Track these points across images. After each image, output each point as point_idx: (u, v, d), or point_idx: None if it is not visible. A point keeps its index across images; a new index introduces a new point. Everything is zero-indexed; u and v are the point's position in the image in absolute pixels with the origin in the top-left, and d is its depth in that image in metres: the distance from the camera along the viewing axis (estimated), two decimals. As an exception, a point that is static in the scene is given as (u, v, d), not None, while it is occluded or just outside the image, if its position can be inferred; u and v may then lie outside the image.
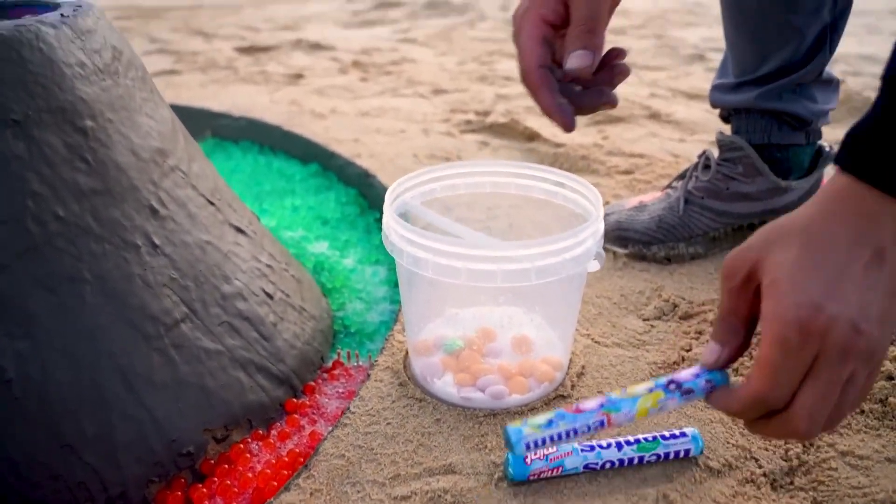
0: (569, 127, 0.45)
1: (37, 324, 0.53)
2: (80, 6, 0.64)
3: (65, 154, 0.56)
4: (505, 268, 0.51)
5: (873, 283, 0.36)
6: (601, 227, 0.56)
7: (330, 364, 0.70)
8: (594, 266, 0.57)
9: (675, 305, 0.72)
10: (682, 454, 0.51)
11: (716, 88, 0.82)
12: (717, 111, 0.85)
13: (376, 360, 0.65)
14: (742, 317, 0.39)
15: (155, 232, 0.61)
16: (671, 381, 0.40)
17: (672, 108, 1.38)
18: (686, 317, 0.71)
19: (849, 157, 0.37)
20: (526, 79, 0.46)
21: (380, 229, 1.00)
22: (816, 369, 0.36)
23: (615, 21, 2.23)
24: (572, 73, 0.44)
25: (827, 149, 0.79)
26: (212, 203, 0.69)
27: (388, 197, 0.59)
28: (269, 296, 0.69)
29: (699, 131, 1.26)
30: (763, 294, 0.37)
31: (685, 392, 0.40)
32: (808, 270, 0.36)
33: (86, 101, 0.58)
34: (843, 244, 0.36)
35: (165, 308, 0.59)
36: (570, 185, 0.62)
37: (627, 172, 1.07)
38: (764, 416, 0.38)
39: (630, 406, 0.40)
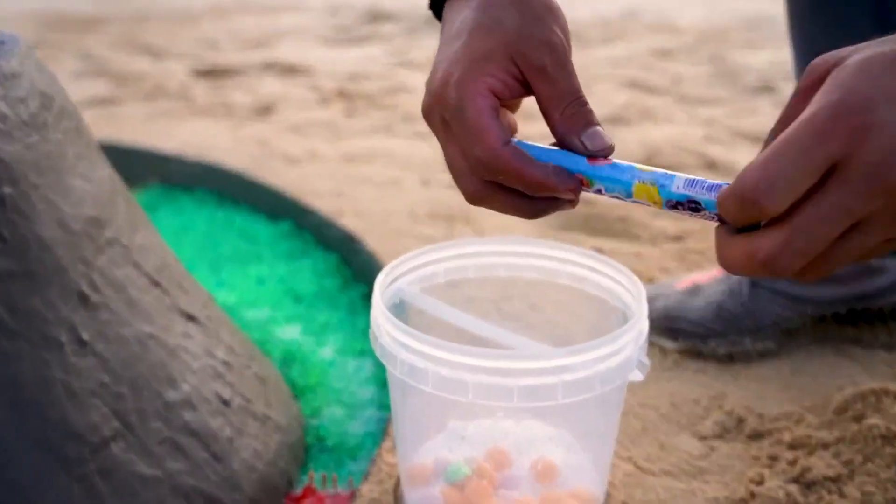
0: (578, 192, 0.45)
1: (-71, 445, 0.52)
2: (1, 43, 0.66)
3: (-24, 229, 0.57)
4: (524, 383, 0.51)
5: None
6: (645, 329, 0.56)
7: (300, 490, 0.70)
8: (636, 377, 0.58)
9: (741, 420, 0.72)
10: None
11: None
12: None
13: (359, 488, 0.65)
14: (788, 121, 0.39)
15: (84, 324, 0.61)
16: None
17: (733, 154, 1.40)
18: (755, 436, 0.70)
19: None
20: (493, 163, 0.44)
21: (366, 308, 1.01)
22: (829, 185, 0.35)
23: (659, 40, 2.30)
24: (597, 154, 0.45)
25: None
26: (157, 284, 0.70)
27: (378, 284, 0.60)
28: (225, 402, 0.69)
29: (767, 186, 1.27)
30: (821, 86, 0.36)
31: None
32: (889, 64, 0.35)
33: (5, 163, 0.60)
34: None
35: (92, 423, 0.59)
36: (604, 270, 0.63)
37: (677, 239, 1.08)
38: (750, 228, 0.37)
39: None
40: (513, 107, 0.50)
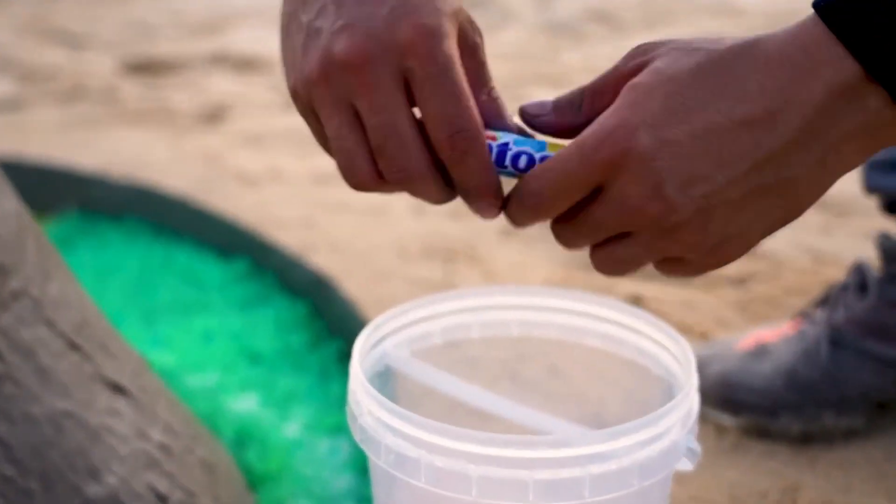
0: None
1: None
2: None
3: None
4: (542, 476, 0.52)
5: (745, 149, 0.44)
6: (695, 407, 0.57)
7: None
8: (684, 466, 0.58)
9: (821, 519, 0.72)
10: None
11: (872, 166, 0.85)
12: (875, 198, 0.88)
13: None
14: (598, 97, 0.49)
15: (-17, 400, 0.62)
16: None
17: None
18: (839, 539, 0.71)
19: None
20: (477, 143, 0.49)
21: (342, 372, 1.01)
22: (594, 199, 0.47)
23: (717, 23, 2.33)
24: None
25: None
26: (76, 347, 0.71)
27: (358, 348, 0.61)
28: (162, 499, 0.70)
29: (855, 213, 1.29)
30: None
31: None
32: (662, 99, 0.45)
33: None
34: (755, 86, 0.44)
35: (-7, 528, 0.59)
36: (644, 330, 0.64)
37: (738, 283, 1.09)
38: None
39: None
40: None
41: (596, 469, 0.52)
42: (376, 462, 0.57)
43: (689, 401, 0.57)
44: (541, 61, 2.06)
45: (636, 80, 0.46)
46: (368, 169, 0.49)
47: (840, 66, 0.43)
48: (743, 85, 0.45)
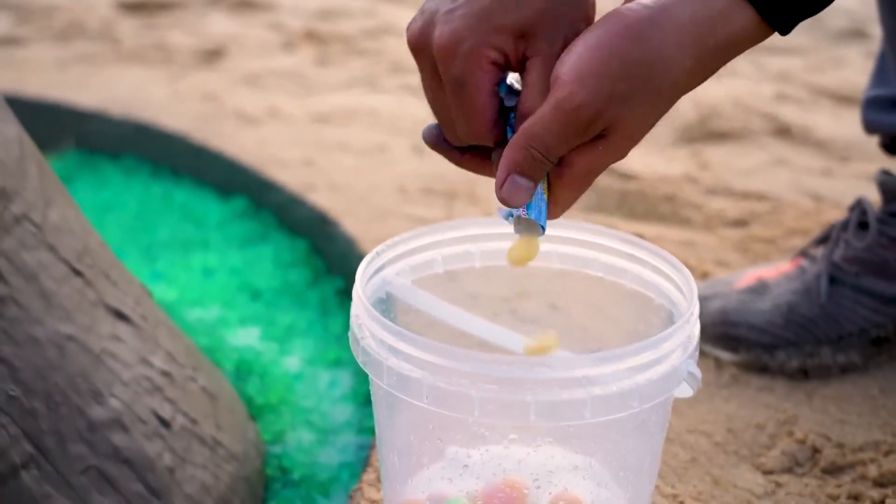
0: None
1: None
2: None
3: None
4: (544, 397, 0.52)
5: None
6: (696, 333, 0.58)
7: (257, 535, 0.71)
8: (684, 391, 0.59)
9: (816, 451, 0.73)
10: None
11: (871, 103, 0.85)
12: (878, 136, 0.88)
13: (333, 534, 0.66)
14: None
15: (-13, 322, 0.62)
16: None
17: (812, 117, 1.42)
18: (833, 470, 0.72)
19: None
20: (477, 140, 0.56)
21: (342, 307, 1.02)
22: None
23: None
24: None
25: None
26: (78, 272, 0.71)
27: (360, 274, 0.61)
28: (165, 423, 0.70)
29: (855, 158, 1.29)
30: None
31: None
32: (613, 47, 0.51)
33: None
34: (677, 41, 0.50)
35: (-1, 446, 0.60)
36: (646, 259, 0.64)
37: (739, 224, 1.09)
38: None
39: None
40: None
41: (598, 391, 0.53)
42: (379, 384, 0.57)
43: (690, 326, 0.57)
44: None
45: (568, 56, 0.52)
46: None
47: None
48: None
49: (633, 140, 0.54)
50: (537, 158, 0.53)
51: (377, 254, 0.64)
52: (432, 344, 0.54)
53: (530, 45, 0.54)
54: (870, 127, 0.86)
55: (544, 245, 0.68)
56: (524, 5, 0.53)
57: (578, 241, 0.67)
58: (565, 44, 0.53)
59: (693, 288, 0.60)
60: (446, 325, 0.65)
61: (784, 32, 0.52)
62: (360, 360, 0.58)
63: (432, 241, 0.67)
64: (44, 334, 0.65)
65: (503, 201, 0.54)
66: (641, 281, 0.65)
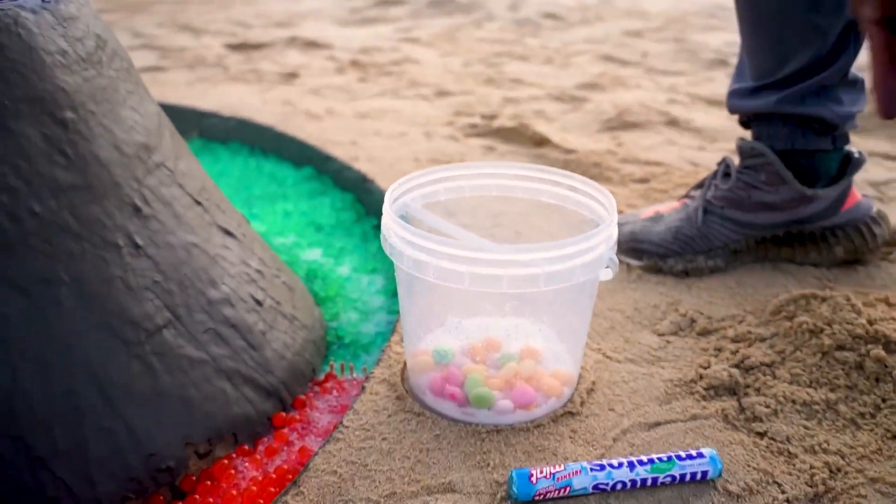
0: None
1: (8, 328, 0.53)
2: (62, -8, 0.65)
3: (43, 147, 0.57)
4: (512, 273, 0.51)
5: None
6: (615, 233, 0.57)
7: (322, 377, 0.70)
8: (607, 274, 0.58)
9: (693, 321, 0.72)
10: (698, 476, 0.51)
11: (733, 94, 0.83)
12: (737, 117, 0.86)
13: (372, 373, 0.65)
14: None
15: (137, 232, 0.61)
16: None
17: (692, 114, 1.39)
18: (704, 332, 0.71)
19: None
20: None
21: (377, 237, 1.01)
22: None
23: (631, 23, 2.26)
24: None
25: (856, 154, 0.80)
26: (199, 203, 0.70)
27: (387, 198, 0.60)
28: (259, 303, 0.69)
29: (720, 139, 1.27)
30: None
31: None
32: None
33: (66, 92, 0.59)
34: None
35: (147, 313, 0.59)
36: (582, 188, 0.63)
37: (643, 181, 1.08)
38: None
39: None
40: None
41: (549, 268, 0.52)
42: (400, 268, 0.56)
43: (611, 229, 0.56)
44: (512, 44, 2.01)
45: None
46: None
47: None
48: None
49: None
50: None
51: (399, 185, 0.62)
52: (436, 237, 0.53)
53: None
54: (731, 109, 0.84)
55: (513, 181, 0.67)
56: None
57: (535, 177, 0.66)
58: None
59: (613, 204, 0.59)
60: (445, 235, 0.64)
61: None
62: (388, 252, 0.57)
63: (437, 178, 0.65)
64: (177, 241, 0.64)
65: None
66: (578, 204, 0.64)
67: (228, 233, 0.72)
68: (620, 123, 1.33)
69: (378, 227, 1.03)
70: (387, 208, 0.58)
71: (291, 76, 1.68)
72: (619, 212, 0.98)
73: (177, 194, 0.67)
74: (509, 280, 0.51)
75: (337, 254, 0.96)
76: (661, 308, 0.75)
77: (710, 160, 1.15)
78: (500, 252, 0.51)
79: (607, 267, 0.56)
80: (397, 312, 0.80)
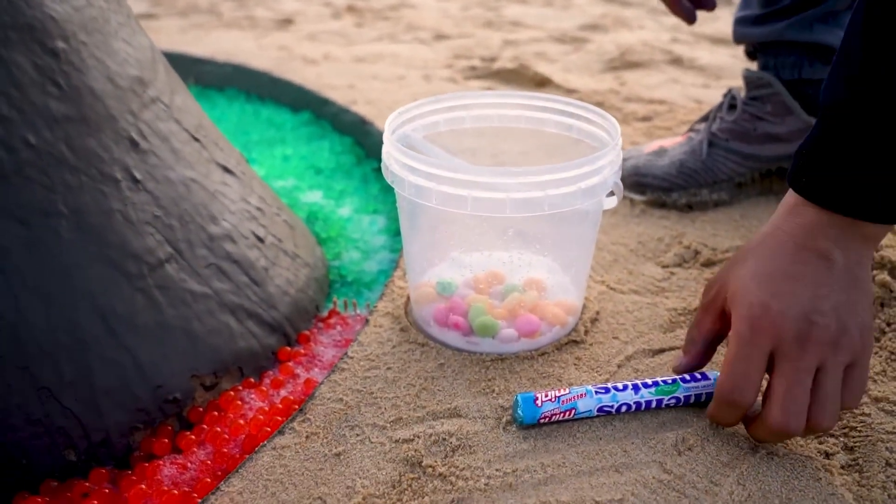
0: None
1: (8, 259, 0.53)
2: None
3: (34, 76, 0.56)
4: (515, 196, 0.51)
5: (823, 281, 0.44)
6: (619, 158, 0.56)
7: (326, 314, 0.70)
8: (611, 202, 0.57)
9: (697, 252, 0.72)
10: (703, 398, 0.52)
11: (739, 22, 0.81)
12: (742, 48, 0.84)
13: (375, 306, 0.65)
14: (704, 330, 0.50)
15: (135, 166, 0.60)
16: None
17: (695, 53, 1.37)
18: (708, 264, 0.71)
19: (793, 174, 0.46)
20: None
21: (378, 179, 1.00)
22: (778, 363, 0.44)
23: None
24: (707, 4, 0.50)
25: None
26: (196, 139, 0.69)
27: (387, 127, 0.59)
28: (260, 239, 0.69)
29: (725, 77, 1.25)
30: (728, 306, 0.47)
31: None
32: (759, 277, 0.45)
33: (56, 21, 0.58)
34: (790, 252, 0.45)
35: (148, 247, 0.59)
36: (585, 115, 0.62)
37: (646, 119, 1.06)
38: (749, 420, 0.47)
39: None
40: None
41: (552, 191, 0.51)
42: (402, 194, 0.56)
43: (615, 152, 0.55)
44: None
45: (732, 293, 0.46)
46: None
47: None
48: (786, 258, 0.45)
49: (744, 283, 0.45)
50: (689, 331, 0.52)
51: (398, 114, 0.61)
52: (438, 162, 0.52)
53: None
54: (737, 38, 0.82)
55: (515, 111, 0.66)
56: None
57: (539, 107, 0.64)
58: None
59: (617, 129, 0.58)
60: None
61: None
62: (389, 180, 0.56)
63: (437, 107, 0.64)
64: (175, 177, 0.64)
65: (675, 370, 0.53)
66: (582, 132, 0.63)
67: (227, 170, 0.72)
68: (623, 63, 1.31)
69: (378, 171, 1.02)
70: (387, 136, 0.57)
71: (287, 22, 1.64)
72: (623, 149, 0.96)
73: (174, 129, 0.66)
74: (513, 204, 0.51)
75: (337, 196, 0.95)
76: (665, 241, 0.75)
77: (714, 97, 1.13)
78: (503, 175, 0.50)
79: (612, 194, 0.56)
80: (400, 251, 0.79)
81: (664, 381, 0.52)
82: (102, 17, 0.63)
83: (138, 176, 0.60)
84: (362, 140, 1.09)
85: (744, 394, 0.45)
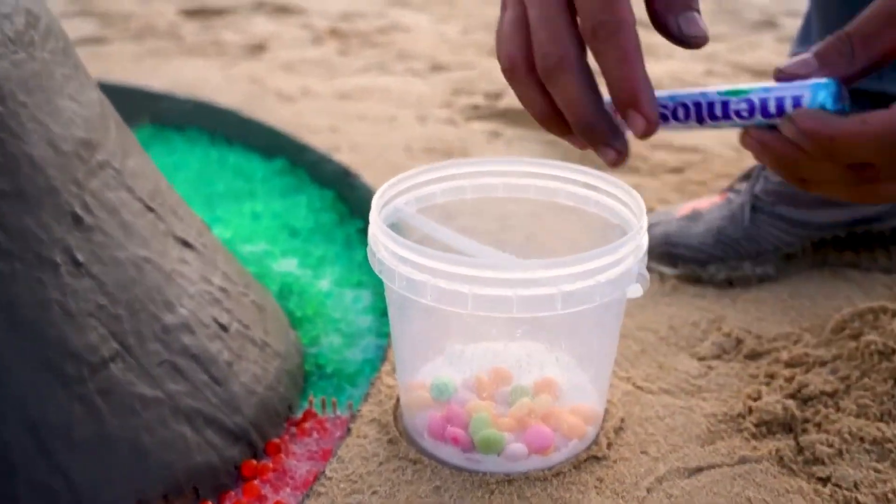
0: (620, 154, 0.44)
1: (-73, 363, 0.53)
2: (-15, -40, 0.65)
3: (-35, 147, 0.57)
4: (523, 293, 0.51)
5: None
6: (645, 242, 0.56)
7: (300, 415, 0.70)
8: (636, 291, 0.58)
9: (740, 341, 0.72)
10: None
11: (795, 59, 0.82)
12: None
13: (359, 410, 0.65)
14: (871, 55, 0.41)
15: (79, 246, 0.61)
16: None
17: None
18: (753, 356, 0.71)
19: None
20: (635, 102, 0.42)
21: (363, 242, 1.01)
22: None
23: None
24: (689, 41, 0.43)
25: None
26: (151, 209, 0.70)
27: (375, 202, 0.60)
28: (223, 327, 0.69)
29: (768, 119, 1.27)
30: None
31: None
32: None
33: (-7, 81, 0.59)
34: None
35: (91, 344, 0.59)
36: (604, 188, 0.63)
37: (677, 171, 1.07)
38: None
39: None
40: None
41: (566, 287, 0.52)
42: (392, 288, 0.56)
43: (640, 237, 0.56)
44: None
45: None
46: (521, 54, 0.43)
47: None
48: None
49: None
50: (840, 39, 0.42)
51: (389, 186, 0.62)
52: (434, 252, 0.53)
53: None
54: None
55: (523, 179, 0.67)
56: None
57: (549, 175, 0.66)
58: None
59: (642, 207, 0.58)
60: (444, 244, 0.64)
61: None
62: (376, 270, 0.57)
63: (433, 177, 0.65)
64: (125, 256, 0.64)
65: (784, 70, 0.42)
66: (600, 206, 0.64)
67: (187, 244, 0.72)
68: (650, 101, 1.33)
69: (364, 231, 1.03)
70: (374, 215, 0.58)
71: (259, 48, 1.67)
72: (650, 209, 0.98)
73: (125, 199, 0.67)
74: (520, 302, 0.51)
75: (316, 264, 0.96)
76: (702, 326, 0.75)
77: (756, 145, 1.15)
78: (509, 269, 0.51)
79: (637, 283, 0.56)
80: (388, 335, 0.80)
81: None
82: (46, 72, 0.64)
83: (81, 258, 0.61)
84: (346, 194, 1.10)
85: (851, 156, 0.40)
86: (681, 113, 0.44)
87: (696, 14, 0.43)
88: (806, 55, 0.42)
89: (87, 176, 0.64)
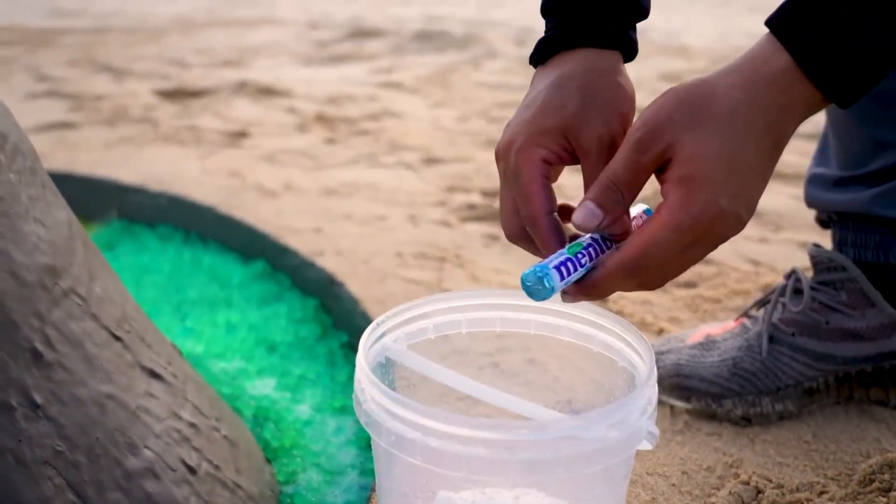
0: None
1: None
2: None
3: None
4: (522, 457, 0.51)
5: (762, 172, 0.51)
6: (654, 396, 0.57)
7: (272, 569, 0.69)
8: (644, 446, 0.58)
9: (759, 491, 0.72)
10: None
11: (813, 181, 0.85)
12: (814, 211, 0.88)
13: (339, 569, 0.64)
14: (635, 191, 0.54)
15: (37, 385, 0.61)
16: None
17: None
18: (774, 508, 0.70)
19: (782, 23, 0.50)
20: (532, 225, 0.58)
21: (347, 359, 1.01)
22: (689, 249, 0.52)
23: (668, 62, 2.33)
24: (575, 226, 0.56)
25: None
26: (118, 338, 0.70)
27: (363, 343, 0.60)
28: (192, 470, 0.69)
29: (787, 226, 1.29)
30: (673, 181, 0.51)
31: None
32: (723, 171, 0.50)
33: (-45, 207, 0.60)
34: (756, 137, 0.50)
35: (45, 497, 0.58)
36: (609, 327, 0.64)
37: (688, 286, 1.09)
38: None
39: None
40: (558, 171, 0.62)
41: (570, 450, 0.52)
42: (378, 442, 0.56)
43: (650, 391, 0.56)
44: (519, 90, 2.06)
45: (686, 169, 0.51)
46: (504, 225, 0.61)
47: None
48: (752, 146, 0.51)
49: (706, 171, 0.50)
50: (610, 187, 0.53)
51: (377, 324, 0.63)
52: (426, 409, 0.53)
53: (573, 142, 0.57)
54: (810, 202, 0.85)
55: (521, 313, 0.68)
56: (559, 114, 0.57)
57: (552, 310, 0.66)
58: (599, 140, 0.56)
59: (651, 354, 0.59)
60: (437, 382, 0.65)
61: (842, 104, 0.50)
62: (362, 421, 0.57)
63: (425, 311, 0.66)
64: (87, 394, 0.64)
65: (577, 226, 0.55)
66: (606, 346, 0.64)
67: (155, 374, 0.72)
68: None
69: (349, 347, 1.04)
70: (361, 360, 0.59)
71: (240, 135, 1.71)
72: (660, 331, 0.99)
73: (89, 329, 0.68)
74: (518, 466, 0.51)
75: (295, 385, 0.96)
76: (717, 471, 0.75)
77: (774, 256, 1.17)
78: (508, 431, 0.51)
79: (645, 440, 0.56)
80: (373, 474, 0.79)
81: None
82: (11, 196, 0.66)
83: (39, 399, 0.61)
84: (329, 304, 1.11)
85: (655, 271, 0.53)
86: (571, 268, 0.56)
87: (591, 206, 0.55)
88: (591, 205, 0.54)
89: (50, 306, 0.65)
